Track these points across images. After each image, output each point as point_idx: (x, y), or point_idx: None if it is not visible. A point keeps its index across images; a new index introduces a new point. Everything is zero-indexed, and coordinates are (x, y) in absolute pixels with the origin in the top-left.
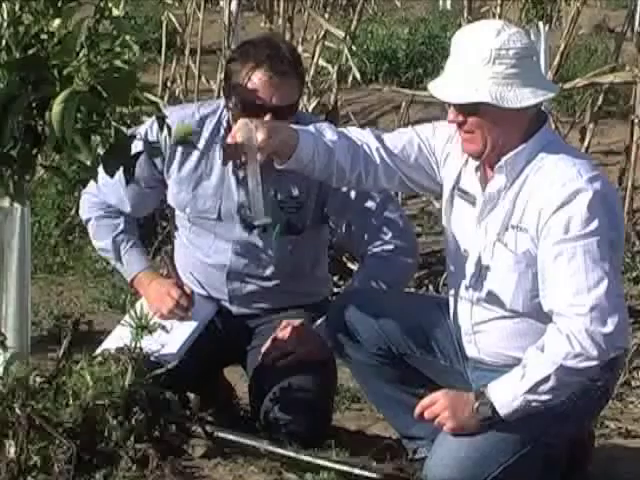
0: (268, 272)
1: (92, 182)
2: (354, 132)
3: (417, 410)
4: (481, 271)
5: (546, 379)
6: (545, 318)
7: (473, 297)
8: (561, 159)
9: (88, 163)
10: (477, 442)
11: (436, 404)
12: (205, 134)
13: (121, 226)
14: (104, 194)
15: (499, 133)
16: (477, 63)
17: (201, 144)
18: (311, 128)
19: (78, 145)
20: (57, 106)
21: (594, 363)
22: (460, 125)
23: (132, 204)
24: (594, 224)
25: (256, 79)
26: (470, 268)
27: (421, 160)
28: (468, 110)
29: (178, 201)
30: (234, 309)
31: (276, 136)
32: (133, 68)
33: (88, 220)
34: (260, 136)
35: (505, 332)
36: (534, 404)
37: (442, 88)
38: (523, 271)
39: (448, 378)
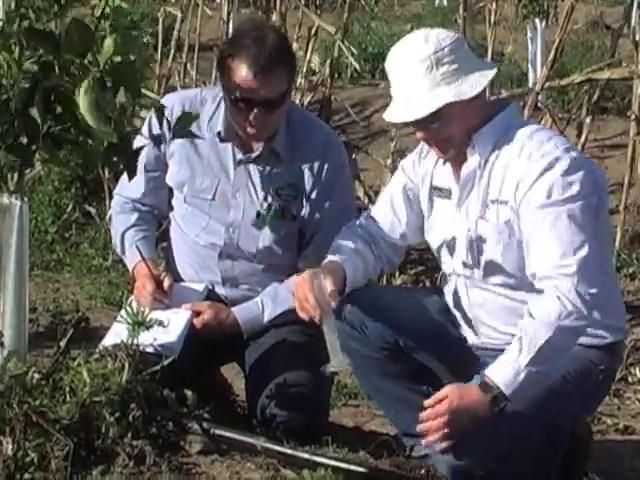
0: (259, 254)
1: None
2: (359, 255)
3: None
4: (471, 253)
5: (546, 344)
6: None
7: (468, 281)
8: (535, 132)
9: (114, 140)
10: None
11: (439, 415)
12: (204, 116)
13: (132, 221)
14: (123, 188)
15: (465, 124)
16: (423, 74)
17: (203, 124)
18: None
19: (100, 125)
20: (83, 99)
21: (585, 322)
22: (430, 139)
23: (144, 190)
24: (575, 188)
25: (242, 75)
26: (459, 253)
27: (414, 205)
28: (433, 120)
29: (177, 180)
30: (226, 291)
31: (337, 278)
32: (142, 60)
33: (110, 218)
34: (329, 287)
35: (501, 309)
36: (538, 374)
37: (403, 112)
38: (507, 242)
39: (454, 368)
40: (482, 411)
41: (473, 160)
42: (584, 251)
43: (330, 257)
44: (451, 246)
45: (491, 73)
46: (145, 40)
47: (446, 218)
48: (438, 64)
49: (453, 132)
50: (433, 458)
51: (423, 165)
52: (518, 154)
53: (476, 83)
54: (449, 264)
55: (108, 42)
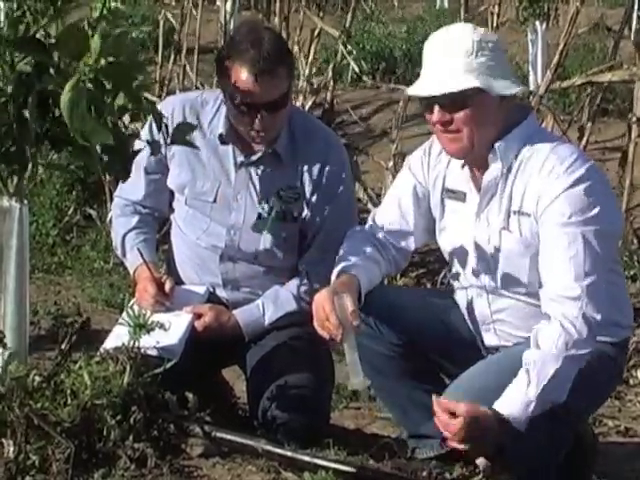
0: (260, 256)
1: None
2: (372, 261)
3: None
4: (492, 261)
5: (555, 375)
6: None
7: (489, 287)
8: (557, 146)
9: (110, 141)
10: (494, 376)
11: (454, 424)
12: (205, 118)
13: (132, 224)
14: (124, 190)
15: (484, 126)
16: (461, 54)
17: (203, 126)
18: (355, 270)
19: (94, 129)
20: (65, 95)
21: (590, 349)
22: (445, 125)
23: (145, 193)
24: (595, 210)
25: (243, 79)
26: (480, 261)
27: (423, 207)
28: (456, 105)
29: (178, 183)
30: (227, 294)
31: (355, 295)
32: (136, 62)
33: (110, 221)
34: (351, 306)
35: (524, 315)
36: (548, 403)
37: (429, 85)
38: (534, 253)
39: (467, 365)
40: (494, 437)
41: (495, 169)
42: (594, 277)
43: (342, 266)
44: (465, 252)
45: (520, 88)
46: (140, 37)
47: (460, 222)
48: (479, 52)
49: (467, 131)
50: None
51: (435, 168)
52: (540, 167)
53: (507, 87)
54: (461, 269)
55: (95, 43)
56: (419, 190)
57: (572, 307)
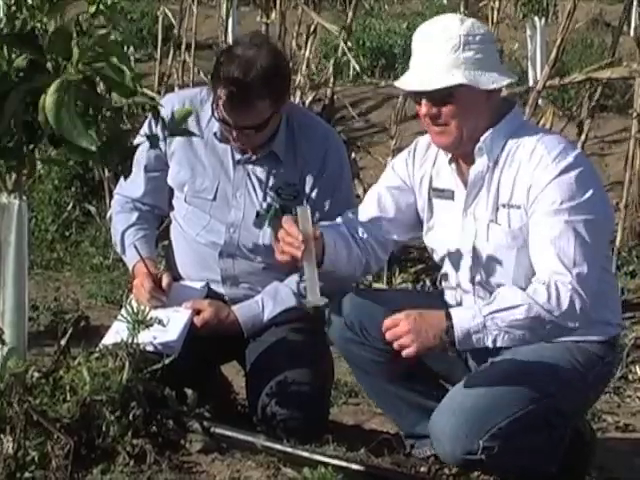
0: (260, 253)
1: (120, 181)
2: (340, 234)
3: (385, 334)
4: (479, 256)
5: (513, 308)
6: None
7: (475, 283)
8: (544, 136)
9: (93, 148)
10: (484, 394)
11: (399, 326)
12: (204, 116)
13: (132, 221)
14: (123, 188)
15: (472, 119)
16: (447, 50)
17: (202, 124)
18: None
19: (79, 132)
20: (50, 97)
21: (553, 327)
22: (433, 118)
23: (145, 190)
24: (584, 197)
25: (223, 99)
26: (467, 257)
27: (403, 203)
28: (443, 99)
29: (177, 180)
30: (226, 290)
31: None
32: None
33: (110, 218)
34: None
35: None
36: (490, 333)
37: (415, 80)
38: (521, 246)
39: (454, 370)
40: (437, 332)
41: (481, 162)
42: (584, 266)
43: None
44: (452, 250)
45: (510, 77)
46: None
47: (448, 220)
48: (465, 47)
49: (455, 124)
50: (432, 438)
51: (421, 168)
52: (528, 158)
53: (494, 80)
54: (449, 267)
55: (75, 42)
56: (400, 187)
57: (565, 287)
